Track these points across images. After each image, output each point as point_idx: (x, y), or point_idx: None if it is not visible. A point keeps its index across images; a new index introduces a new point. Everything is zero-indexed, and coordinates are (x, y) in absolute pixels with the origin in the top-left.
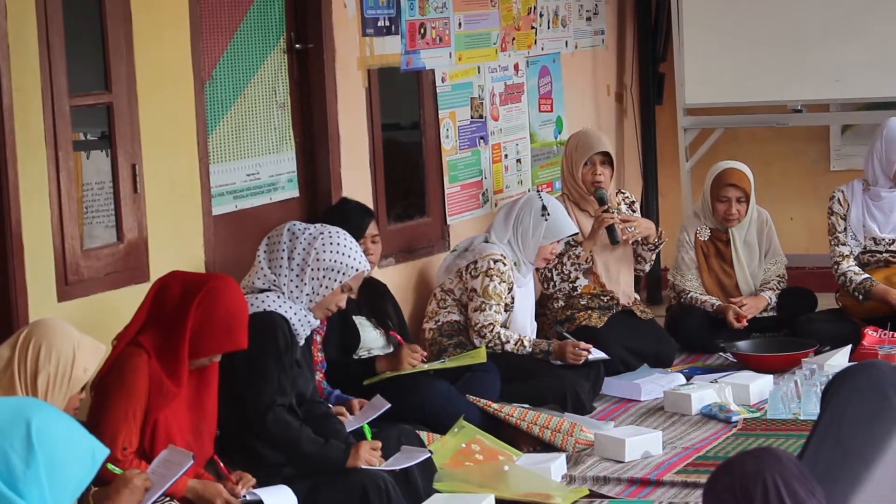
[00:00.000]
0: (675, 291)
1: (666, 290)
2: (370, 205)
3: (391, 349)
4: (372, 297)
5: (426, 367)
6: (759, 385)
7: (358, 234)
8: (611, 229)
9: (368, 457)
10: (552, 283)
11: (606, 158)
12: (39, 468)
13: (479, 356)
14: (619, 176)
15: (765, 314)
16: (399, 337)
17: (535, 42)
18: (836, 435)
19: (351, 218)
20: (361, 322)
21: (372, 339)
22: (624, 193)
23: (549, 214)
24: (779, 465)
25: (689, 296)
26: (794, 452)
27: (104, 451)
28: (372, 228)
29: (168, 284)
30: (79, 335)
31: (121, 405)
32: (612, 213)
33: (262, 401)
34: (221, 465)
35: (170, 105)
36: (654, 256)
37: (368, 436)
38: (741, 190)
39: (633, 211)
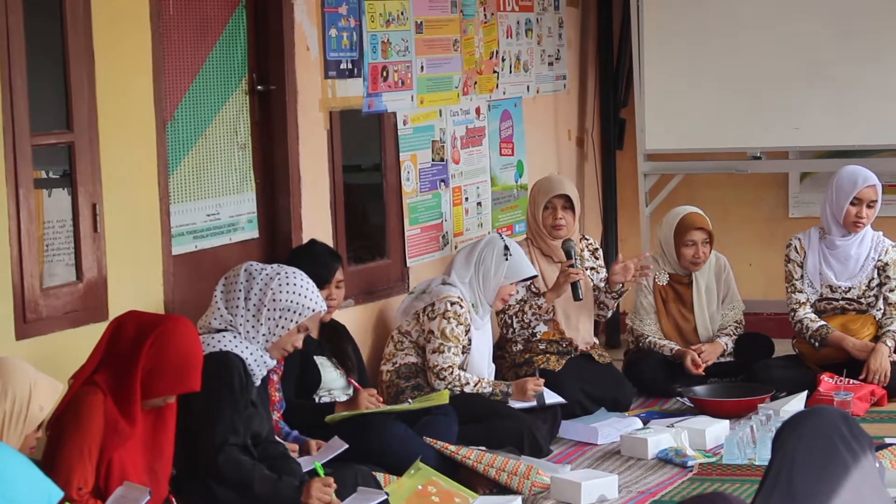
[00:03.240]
0: (633, 336)
1: (624, 334)
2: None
3: (351, 390)
4: (332, 338)
5: (390, 408)
6: (716, 430)
7: (326, 278)
8: (575, 286)
9: (320, 494)
10: (512, 330)
11: (568, 203)
12: None
13: (442, 398)
14: (579, 221)
15: (722, 359)
16: (356, 383)
17: (497, 86)
18: (786, 482)
19: (319, 261)
20: (322, 362)
21: (332, 380)
22: (588, 240)
23: (510, 255)
24: None
25: (647, 340)
26: (748, 498)
27: (59, 494)
28: (338, 274)
29: (124, 324)
30: (35, 373)
31: (76, 444)
32: (578, 267)
33: (214, 441)
34: None
35: (131, 144)
36: (616, 304)
37: (321, 473)
38: (706, 232)
39: (597, 258)
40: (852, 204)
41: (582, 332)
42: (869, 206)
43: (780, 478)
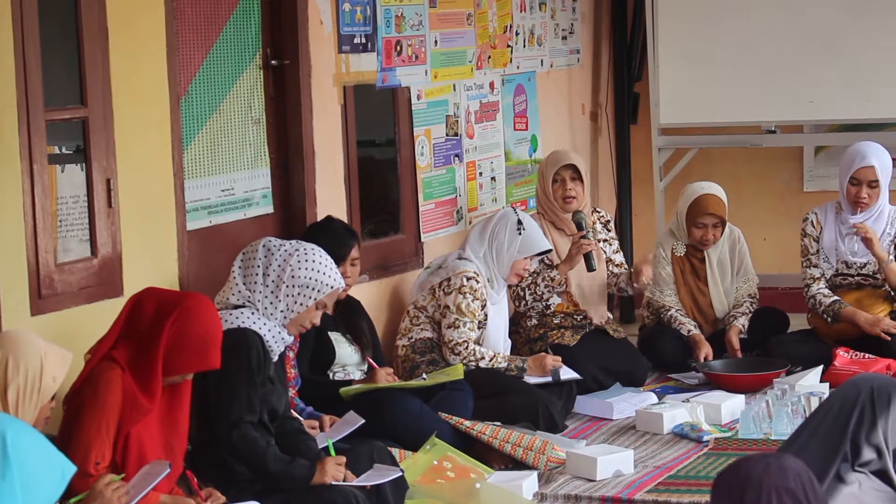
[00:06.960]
0: (651, 308)
1: (639, 308)
2: (344, 221)
3: (366, 366)
4: (347, 314)
5: (405, 384)
6: (731, 405)
7: (342, 255)
8: (588, 257)
9: (335, 472)
10: (524, 302)
11: (577, 174)
12: (14, 479)
13: (457, 373)
14: (594, 195)
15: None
16: (372, 361)
17: (511, 60)
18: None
19: (336, 238)
20: (336, 338)
21: (347, 356)
22: (599, 212)
23: (524, 229)
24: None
25: (668, 314)
26: None
27: (72, 469)
28: (354, 252)
29: (142, 301)
30: (45, 345)
31: (94, 420)
32: (590, 238)
33: (229, 418)
34: (194, 481)
35: (145, 120)
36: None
37: (332, 452)
38: (718, 217)
39: (609, 230)
40: (851, 183)
41: (596, 305)
42: (871, 187)
43: (816, 417)
